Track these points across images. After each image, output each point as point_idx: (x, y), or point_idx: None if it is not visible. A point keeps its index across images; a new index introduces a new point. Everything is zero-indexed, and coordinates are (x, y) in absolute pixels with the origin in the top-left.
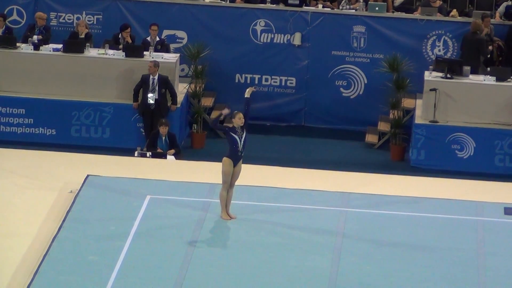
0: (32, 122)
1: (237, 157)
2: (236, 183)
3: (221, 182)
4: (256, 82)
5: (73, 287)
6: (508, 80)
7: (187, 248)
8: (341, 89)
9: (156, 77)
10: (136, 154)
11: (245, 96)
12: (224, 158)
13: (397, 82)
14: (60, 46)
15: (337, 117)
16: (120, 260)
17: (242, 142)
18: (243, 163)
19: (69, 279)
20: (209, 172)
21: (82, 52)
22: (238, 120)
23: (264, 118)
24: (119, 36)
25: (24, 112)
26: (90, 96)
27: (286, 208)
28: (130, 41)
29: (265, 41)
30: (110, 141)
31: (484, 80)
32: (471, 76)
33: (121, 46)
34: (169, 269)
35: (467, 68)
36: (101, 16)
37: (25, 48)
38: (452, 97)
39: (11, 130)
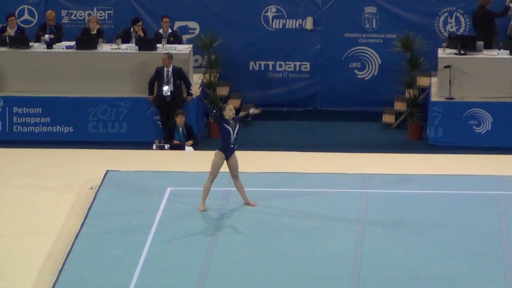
0: (49, 121)
1: (229, 150)
2: (256, 170)
3: (239, 171)
4: (270, 68)
5: (98, 283)
6: None
7: (210, 237)
8: (356, 71)
9: (170, 69)
10: (154, 147)
11: (250, 112)
12: (216, 151)
13: (411, 61)
14: (72, 43)
15: (353, 99)
16: (144, 253)
17: (234, 134)
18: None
19: (94, 275)
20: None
21: (95, 48)
22: (229, 111)
23: (280, 104)
24: (131, 30)
25: (40, 111)
26: (105, 91)
27: (306, 193)
28: (142, 34)
29: (277, 27)
30: (127, 136)
31: (498, 54)
32: (484, 51)
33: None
34: (194, 259)
35: (480, 43)
36: (112, 11)
37: (38, 47)
38: (467, 73)
39: (28, 130)
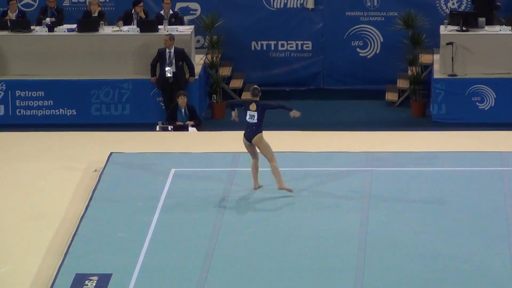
0: (52, 103)
1: (247, 133)
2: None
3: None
4: (272, 48)
5: (104, 265)
6: None
7: (215, 218)
8: (358, 50)
9: (172, 50)
10: (157, 129)
11: (291, 113)
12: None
13: (413, 39)
14: (74, 26)
15: (356, 77)
16: (150, 235)
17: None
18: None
19: (100, 257)
20: (232, 141)
21: (97, 30)
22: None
23: (283, 83)
24: (132, 12)
25: (43, 95)
26: (107, 74)
27: (311, 172)
28: (143, 16)
29: (278, 6)
30: (130, 118)
31: (500, 30)
32: (486, 28)
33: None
34: (199, 240)
35: (482, 20)
36: None
37: (39, 31)
38: (469, 50)
39: (31, 113)
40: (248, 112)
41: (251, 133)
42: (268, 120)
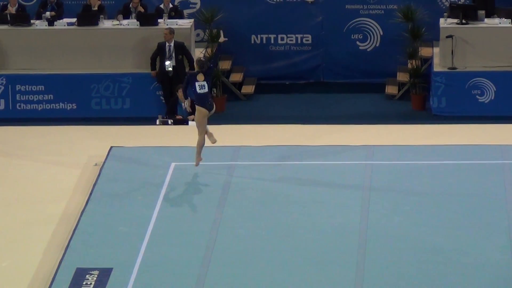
0: (52, 98)
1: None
2: (259, 143)
3: (243, 145)
4: (272, 41)
5: (105, 259)
6: None
7: (215, 212)
8: (358, 43)
9: (172, 44)
10: (157, 123)
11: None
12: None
13: (413, 32)
14: (74, 20)
15: (356, 70)
16: (150, 229)
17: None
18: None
19: (101, 252)
20: (231, 135)
21: (96, 24)
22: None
23: (283, 77)
24: (130, 6)
25: (43, 89)
26: (107, 67)
27: (310, 165)
28: (142, 10)
29: (278, 0)
30: (131, 111)
31: (500, 23)
32: (486, 20)
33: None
34: (199, 233)
35: (481, 13)
36: None
37: (39, 25)
38: (469, 43)
39: (31, 108)
40: (197, 84)
41: (210, 103)
42: (267, 113)
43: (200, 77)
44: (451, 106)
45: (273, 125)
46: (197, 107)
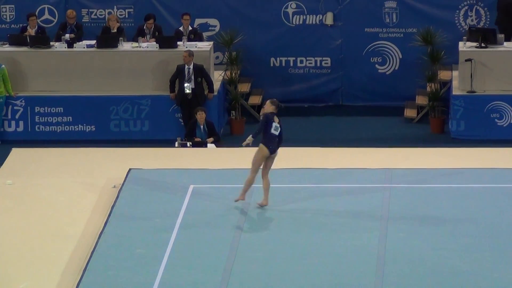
0: (71, 120)
1: (273, 144)
2: (278, 166)
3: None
4: (291, 64)
5: (122, 282)
6: None
7: (233, 234)
8: (377, 66)
9: (191, 67)
10: (176, 145)
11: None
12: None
13: (432, 55)
14: (93, 42)
15: (374, 94)
16: (168, 252)
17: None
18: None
19: (118, 274)
20: (250, 158)
21: (116, 46)
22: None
23: (302, 100)
24: (144, 27)
25: (62, 111)
26: (126, 90)
27: (329, 189)
28: (157, 32)
29: (297, 23)
30: (149, 134)
31: None
32: (505, 44)
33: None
34: (217, 256)
35: (501, 36)
36: (132, 10)
37: (58, 47)
38: (488, 66)
39: (50, 129)
40: (274, 124)
41: (276, 145)
42: (286, 135)
43: (276, 119)
44: (470, 130)
45: (291, 147)
46: (260, 145)
